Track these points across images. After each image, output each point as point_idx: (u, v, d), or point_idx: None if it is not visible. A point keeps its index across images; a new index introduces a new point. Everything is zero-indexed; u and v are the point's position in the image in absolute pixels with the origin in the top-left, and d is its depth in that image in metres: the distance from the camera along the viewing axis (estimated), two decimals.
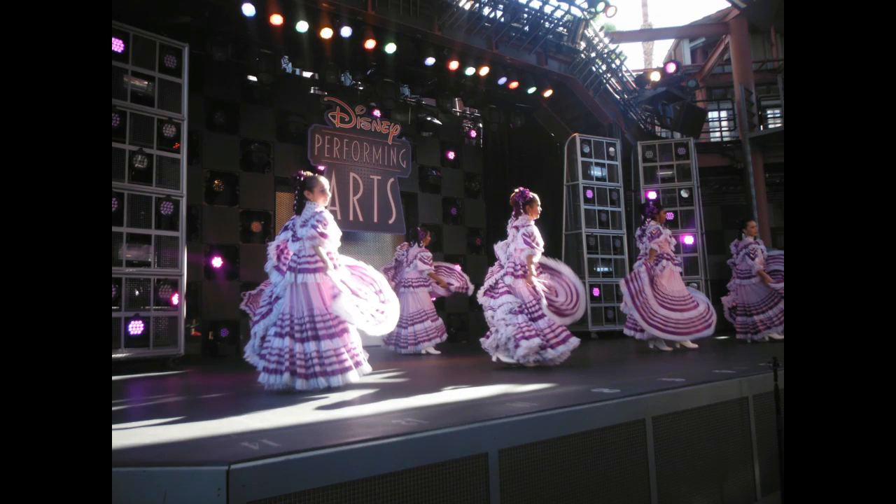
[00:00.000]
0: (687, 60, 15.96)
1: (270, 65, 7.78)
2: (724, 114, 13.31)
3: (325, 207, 4.18)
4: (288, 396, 3.57)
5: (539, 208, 5.29)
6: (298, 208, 4.16)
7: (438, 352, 7.31)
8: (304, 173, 4.23)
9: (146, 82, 6.11)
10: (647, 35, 16.70)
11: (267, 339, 3.98)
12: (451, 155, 10.39)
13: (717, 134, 13.02)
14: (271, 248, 4.27)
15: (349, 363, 3.88)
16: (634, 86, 10.65)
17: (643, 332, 6.41)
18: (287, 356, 3.80)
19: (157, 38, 6.15)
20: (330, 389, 3.79)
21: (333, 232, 4.06)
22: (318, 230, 3.95)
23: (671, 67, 10.36)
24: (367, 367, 4.01)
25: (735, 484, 3.45)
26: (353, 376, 3.88)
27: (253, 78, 8.03)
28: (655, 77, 10.52)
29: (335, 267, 4.02)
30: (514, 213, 5.30)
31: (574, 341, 5.02)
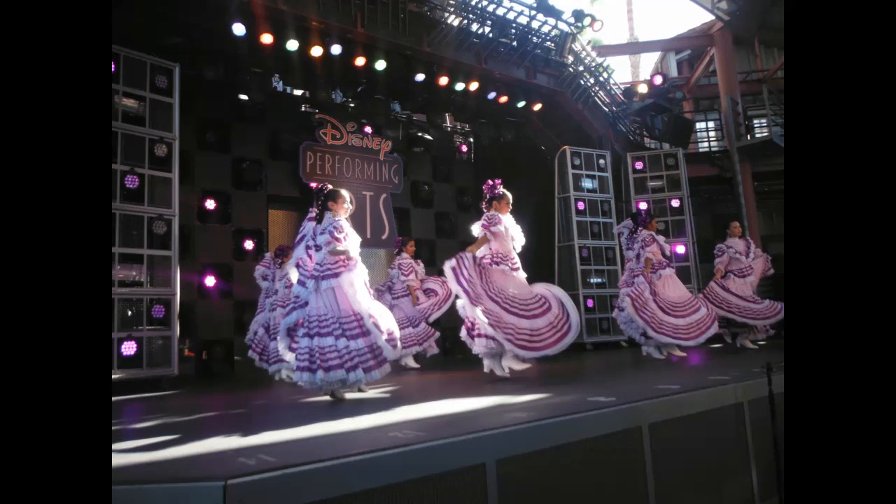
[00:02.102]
0: (673, 72, 16.16)
1: (261, 83, 7.84)
2: (711, 124, 13.48)
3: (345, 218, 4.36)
4: (283, 411, 3.56)
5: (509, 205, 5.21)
6: (319, 219, 4.33)
7: (418, 366, 7.07)
8: (328, 186, 4.43)
9: (137, 102, 6.12)
10: (634, 48, 16.91)
11: (296, 339, 4.18)
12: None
13: (706, 144, 13.17)
14: (292, 271, 4.49)
15: (372, 362, 4.02)
16: (622, 98, 10.77)
17: (650, 339, 6.42)
18: (317, 354, 3.96)
19: (148, 59, 6.18)
20: (346, 383, 3.99)
21: (352, 239, 4.24)
22: (334, 235, 4.13)
23: (658, 79, 10.49)
24: (387, 367, 4.15)
25: (733, 489, 3.45)
26: (374, 375, 4.04)
27: (244, 97, 8.08)
28: (643, 89, 10.65)
29: (354, 260, 4.23)
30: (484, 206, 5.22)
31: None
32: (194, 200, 7.69)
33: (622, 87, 11.20)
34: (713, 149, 12.71)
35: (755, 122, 12.86)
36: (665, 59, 16.62)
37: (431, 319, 7.18)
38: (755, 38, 13.00)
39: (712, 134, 13.50)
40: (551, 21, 9.27)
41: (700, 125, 13.40)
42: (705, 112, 13.90)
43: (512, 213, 5.27)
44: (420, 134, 10.09)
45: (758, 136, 11.87)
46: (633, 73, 23.24)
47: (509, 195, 5.23)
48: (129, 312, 5.87)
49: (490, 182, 5.26)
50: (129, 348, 5.64)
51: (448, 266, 4.77)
